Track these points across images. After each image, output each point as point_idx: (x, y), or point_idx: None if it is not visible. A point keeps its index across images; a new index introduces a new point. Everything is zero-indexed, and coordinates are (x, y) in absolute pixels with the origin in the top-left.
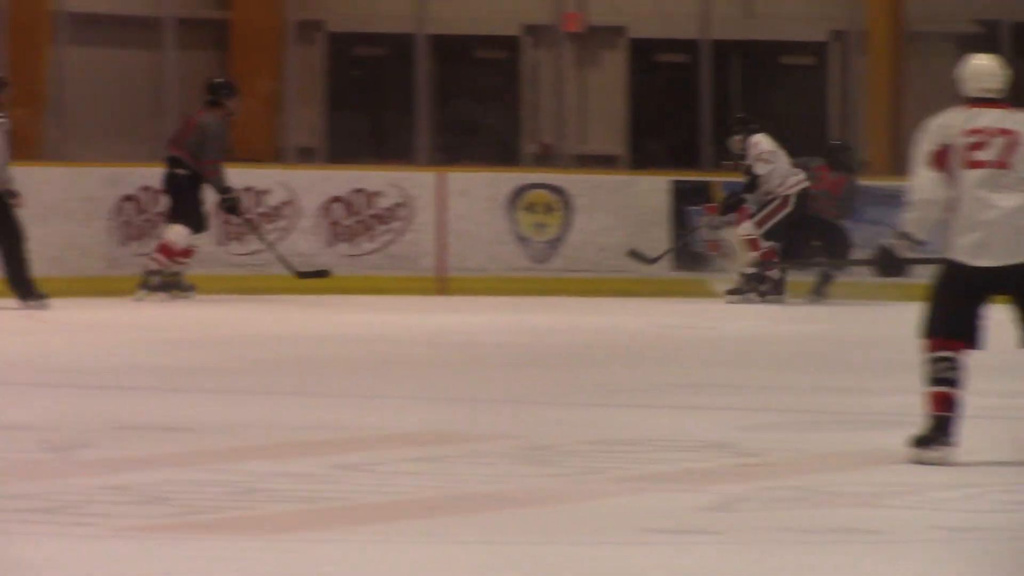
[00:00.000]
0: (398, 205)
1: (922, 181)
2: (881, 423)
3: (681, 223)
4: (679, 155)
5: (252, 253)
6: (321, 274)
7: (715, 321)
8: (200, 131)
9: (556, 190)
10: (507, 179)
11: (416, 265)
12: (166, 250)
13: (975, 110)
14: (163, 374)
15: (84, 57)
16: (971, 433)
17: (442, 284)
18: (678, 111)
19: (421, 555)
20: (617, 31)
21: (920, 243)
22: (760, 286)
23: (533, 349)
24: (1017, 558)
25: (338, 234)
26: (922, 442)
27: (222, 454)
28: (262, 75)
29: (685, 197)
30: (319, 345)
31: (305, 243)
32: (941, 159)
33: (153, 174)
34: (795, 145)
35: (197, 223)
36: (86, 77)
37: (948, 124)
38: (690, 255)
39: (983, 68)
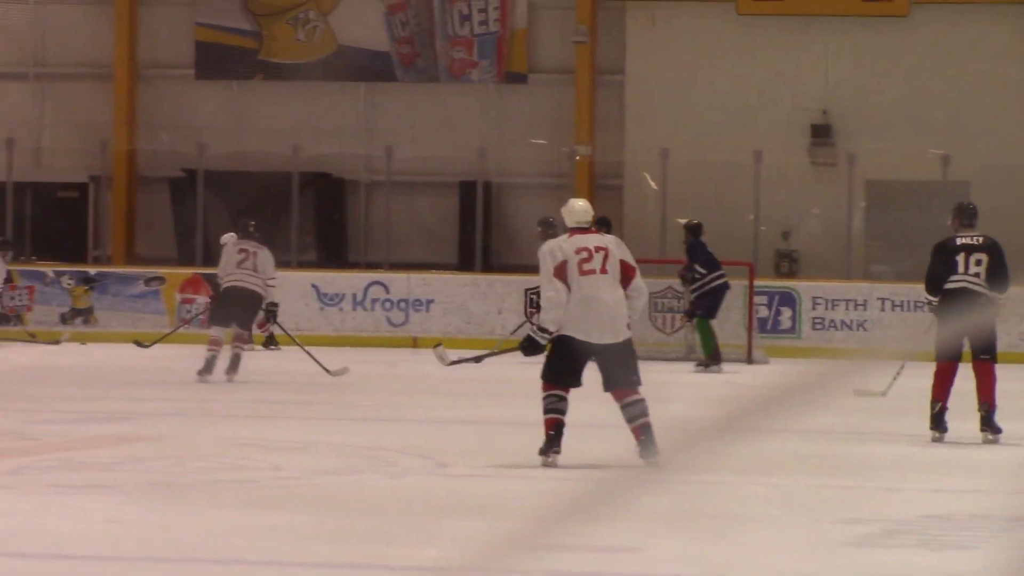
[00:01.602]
0: None
1: (551, 290)
2: (116, 418)
3: None
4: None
5: None
6: None
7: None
8: None
9: None
10: None
11: None
12: None
13: (577, 235)
14: None
15: None
16: (172, 423)
17: None
18: None
19: None
20: None
21: (551, 334)
22: None
23: None
24: None
25: None
26: (542, 451)
27: None
28: None
29: None
30: None
31: None
32: (560, 272)
33: None
34: None
35: None
36: None
37: (558, 247)
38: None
39: (579, 206)
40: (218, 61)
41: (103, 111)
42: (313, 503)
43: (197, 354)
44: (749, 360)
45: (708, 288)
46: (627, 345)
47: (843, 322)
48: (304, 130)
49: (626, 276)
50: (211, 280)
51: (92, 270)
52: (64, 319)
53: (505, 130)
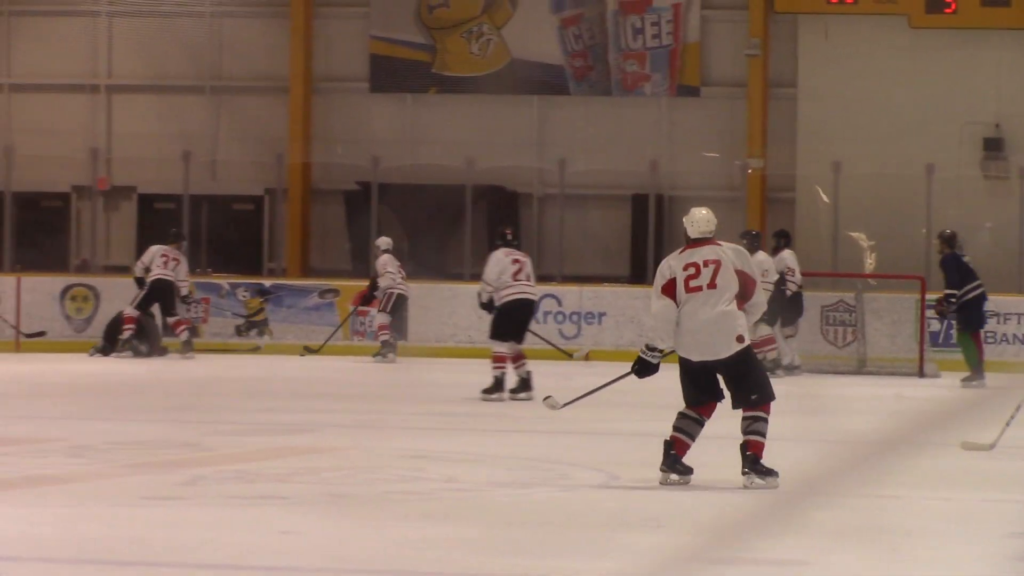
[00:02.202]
0: None
1: (657, 306)
2: (291, 430)
3: None
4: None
5: None
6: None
7: (188, 366)
8: None
9: (91, 287)
10: (60, 280)
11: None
12: None
13: (689, 250)
14: None
15: None
16: (349, 435)
17: (18, 345)
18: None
19: None
20: (131, 189)
21: (662, 352)
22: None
23: (77, 385)
24: None
25: None
26: (661, 467)
27: None
28: None
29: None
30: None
31: None
32: (668, 290)
33: None
34: None
35: None
36: None
37: (668, 265)
38: None
39: (700, 215)
40: (392, 74)
41: (278, 124)
42: (486, 515)
43: (362, 366)
44: (921, 374)
45: (964, 301)
46: (740, 360)
47: (1015, 336)
48: (477, 143)
49: (745, 289)
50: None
51: (267, 282)
52: (239, 331)
53: (677, 143)
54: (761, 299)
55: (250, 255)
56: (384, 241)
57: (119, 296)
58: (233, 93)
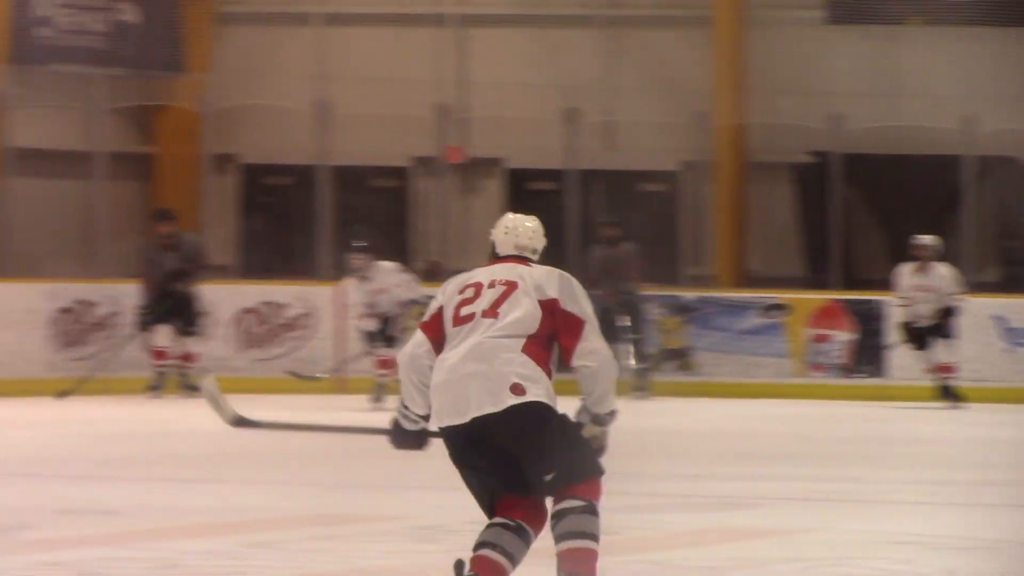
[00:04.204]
0: (302, 315)
1: None
2: (725, 505)
3: None
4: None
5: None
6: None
7: None
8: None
9: None
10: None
11: (318, 368)
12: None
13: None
14: (93, 464)
15: (27, 187)
16: (805, 512)
17: (341, 384)
18: (548, 231)
19: None
20: (495, 162)
21: None
22: None
23: None
24: None
25: (250, 341)
26: None
27: (147, 534)
28: (183, 202)
29: None
30: (228, 437)
31: (220, 349)
32: None
33: (86, 289)
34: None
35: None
36: (30, 204)
37: None
38: None
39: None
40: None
41: (700, 70)
42: None
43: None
44: None
45: None
46: (523, 418)
47: None
48: (979, 96)
49: (562, 333)
50: (859, 310)
51: (688, 294)
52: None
53: None
54: (601, 351)
55: (664, 256)
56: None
57: None
58: (634, 26)
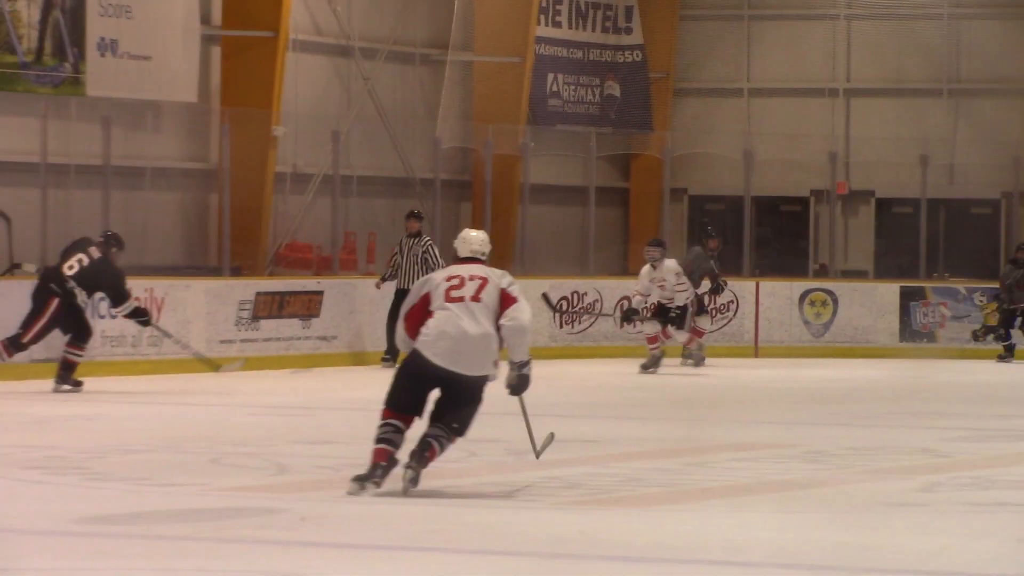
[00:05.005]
0: (730, 302)
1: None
2: None
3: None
4: (905, 269)
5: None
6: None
7: (925, 372)
8: None
9: (829, 292)
10: (798, 285)
11: (741, 339)
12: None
13: None
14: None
15: (540, 212)
16: None
17: (756, 350)
18: (906, 244)
19: (734, 520)
20: (869, 193)
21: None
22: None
23: (812, 390)
24: None
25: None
26: (360, 478)
27: (618, 456)
28: (648, 223)
29: (909, 295)
30: (742, 389)
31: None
32: None
33: (580, 284)
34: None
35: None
36: (542, 224)
37: None
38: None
39: (472, 236)
40: None
41: (1016, 126)
42: None
43: None
44: None
45: None
46: (474, 386)
47: None
48: None
49: (505, 309)
50: None
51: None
52: (976, 336)
53: None
54: (520, 318)
55: (987, 259)
56: None
57: (857, 302)
58: (971, 96)
